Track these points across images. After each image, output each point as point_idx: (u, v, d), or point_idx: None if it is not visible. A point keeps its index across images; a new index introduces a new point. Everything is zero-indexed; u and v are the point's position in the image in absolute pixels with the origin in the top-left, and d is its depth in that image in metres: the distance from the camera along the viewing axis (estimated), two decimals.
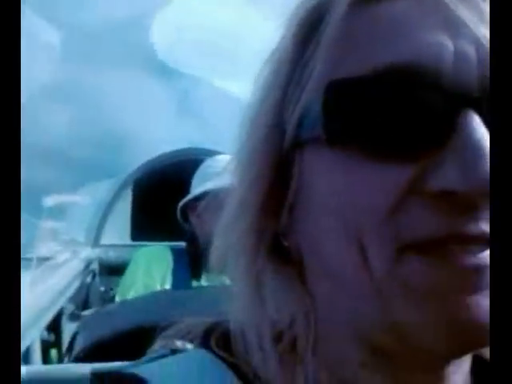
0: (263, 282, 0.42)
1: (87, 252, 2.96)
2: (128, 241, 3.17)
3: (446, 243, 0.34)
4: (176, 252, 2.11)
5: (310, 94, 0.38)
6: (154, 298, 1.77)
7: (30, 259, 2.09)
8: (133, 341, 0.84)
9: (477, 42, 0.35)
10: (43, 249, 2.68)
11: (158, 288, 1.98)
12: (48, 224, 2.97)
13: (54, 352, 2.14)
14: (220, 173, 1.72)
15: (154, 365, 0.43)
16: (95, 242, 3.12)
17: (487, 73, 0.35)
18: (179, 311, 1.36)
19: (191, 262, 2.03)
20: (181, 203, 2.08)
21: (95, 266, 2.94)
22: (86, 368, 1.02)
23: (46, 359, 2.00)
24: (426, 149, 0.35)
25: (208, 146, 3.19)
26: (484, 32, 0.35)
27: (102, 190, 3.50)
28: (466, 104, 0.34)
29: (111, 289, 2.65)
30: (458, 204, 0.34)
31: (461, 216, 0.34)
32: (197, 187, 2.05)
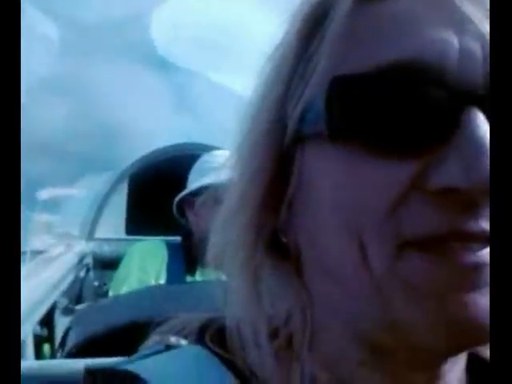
0: (261, 278, 0.42)
1: (81, 246, 2.95)
2: (123, 235, 3.17)
3: (447, 240, 0.34)
4: (171, 247, 2.11)
5: (314, 89, 0.38)
6: (149, 292, 1.76)
7: (23, 252, 2.07)
8: (127, 336, 0.83)
9: (482, 38, 0.35)
10: (37, 242, 2.67)
11: (153, 283, 1.98)
12: (42, 217, 2.96)
13: (46, 347, 2.12)
14: (217, 168, 1.72)
15: (148, 361, 0.42)
16: (90, 236, 3.11)
17: None
18: (174, 306, 1.37)
19: (186, 256, 2.04)
20: (177, 198, 2.09)
21: (89, 260, 2.93)
22: (79, 364, 1.01)
23: (38, 354, 1.98)
24: (429, 145, 0.35)
25: (206, 139, 3.18)
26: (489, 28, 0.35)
27: (98, 183, 3.49)
28: (470, 101, 0.34)
29: (105, 283, 2.65)
30: (460, 201, 0.34)
31: (462, 213, 0.34)
32: (193, 182, 2.05)
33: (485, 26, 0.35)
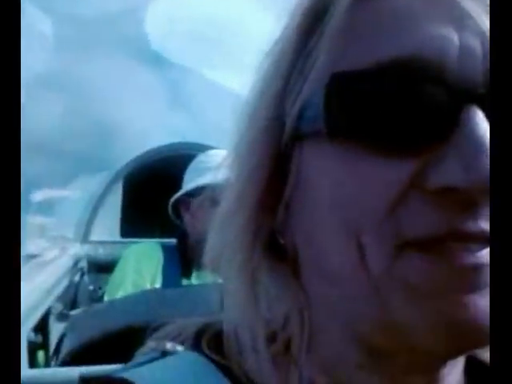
0: (258, 280, 0.41)
1: (76, 249, 2.92)
2: (118, 237, 3.14)
3: (445, 241, 0.34)
4: (166, 249, 2.10)
5: (313, 85, 0.38)
6: (144, 297, 1.76)
7: None
8: (122, 342, 0.83)
9: (482, 35, 0.35)
10: (31, 246, 2.64)
11: (148, 286, 1.97)
12: (36, 219, 2.92)
13: (41, 354, 2.09)
14: (213, 168, 1.69)
15: (144, 369, 0.42)
16: (84, 238, 3.09)
17: None
18: (169, 311, 1.35)
19: (182, 259, 2.02)
20: (173, 199, 2.07)
21: (84, 264, 2.90)
22: (73, 372, 0.99)
23: (32, 362, 1.95)
24: (428, 144, 0.34)
25: (200, 136, 3.16)
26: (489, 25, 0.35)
27: (93, 184, 3.47)
28: (469, 99, 0.34)
29: (100, 287, 2.62)
30: (459, 201, 0.33)
31: (461, 213, 0.34)
32: (189, 182, 2.04)
33: (485, 23, 0.35)
